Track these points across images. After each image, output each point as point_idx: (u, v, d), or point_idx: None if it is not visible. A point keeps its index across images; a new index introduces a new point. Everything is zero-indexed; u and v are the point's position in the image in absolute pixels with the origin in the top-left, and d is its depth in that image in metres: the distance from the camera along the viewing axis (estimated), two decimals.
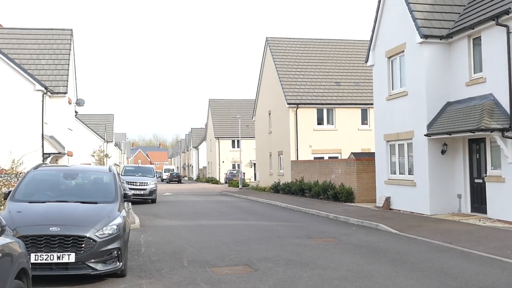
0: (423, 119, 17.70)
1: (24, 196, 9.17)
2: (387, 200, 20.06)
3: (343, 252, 11.18)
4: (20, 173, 14.48)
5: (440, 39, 17.50)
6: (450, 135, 16.19)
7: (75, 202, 9.00)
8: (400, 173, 19.70)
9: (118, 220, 8.60)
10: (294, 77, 35.17)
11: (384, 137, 20.60)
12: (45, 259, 7.71)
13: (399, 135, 19.41)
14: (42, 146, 24.07)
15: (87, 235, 7.98)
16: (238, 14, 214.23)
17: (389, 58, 20.27)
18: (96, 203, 9.07)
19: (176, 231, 15.25)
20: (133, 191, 22.99)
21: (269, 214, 20.58)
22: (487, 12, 15.84)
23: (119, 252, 8.32)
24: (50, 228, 7.87)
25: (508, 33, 14.69)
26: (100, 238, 8.07)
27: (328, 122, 33.90)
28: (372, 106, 25.11)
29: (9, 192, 9.47)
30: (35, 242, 7.75)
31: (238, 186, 45.64)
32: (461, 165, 17.21)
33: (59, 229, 7.88)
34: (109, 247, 8.14)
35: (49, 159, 24.39)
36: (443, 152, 17.44)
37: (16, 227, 7.80)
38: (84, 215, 8.43)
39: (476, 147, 16.80)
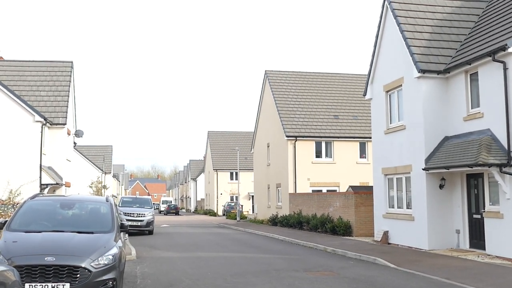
0: (421, 153, 17.78)
1: (20, 225, 9.14)
2: (385, 234, 19.97)
3: (341, 285, 11.10)
4: (17, 204, 14.46)
5: (438, 74, 17.72)
6: (448, 169, 16.24)
7: (71, 232, 8.97)
8: (398, 207, 19.67)
9: (114, 250, 8.56)
10: (293, 110, 35.45)
11: (382, 171, 20.65)
12: None
13: (397, 169, 19.46)
14: (40, 177, 24.07)
15: (82, 265, 7.93)
16: (237, 48, 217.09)
17: (387, 92, 20.48)
18: (92, 233, 9.04)
19: (173, 262, 15.14)
20: (130, 222, 22.86)
21: (266, 246, 20.46)
22: (483, 48, 16.10)
23: (115, 283, 8.26)
24: (46, 258, 7.83)
25: (504, 69, 14.89)
26: (95, 268, 8.03)
27: (326, 155, 34.01)
28: (370, 139, 25.25)
29: (5, 221, 9.46)
30: (30, 272, 7.70)
31: (236, 219, 45.42)
32: (459, 200, 17.20)
33: (54, 259, 7.84)
34: (104, 277, 8.09)
35: (46, 189, 24.36)
36: (441, 186, 17.45)
37: (11, 257, 7.75)
38: (80, 245, 8.40)
39: (474, 182, 16.82)
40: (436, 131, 17.69)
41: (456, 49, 18.41)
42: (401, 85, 19.27)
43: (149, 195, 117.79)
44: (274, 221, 33.80)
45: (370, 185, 25.81)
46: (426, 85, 17.82)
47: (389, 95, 20.47)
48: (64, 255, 8.01)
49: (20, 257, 7.84)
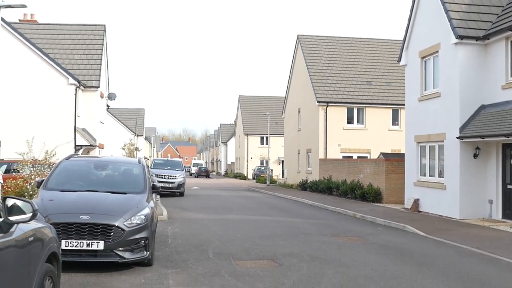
0: (455, 121, 17.44)
1: (56, 185, 9.42)
2: (416, 202, 19.84)
3: (369, 251, 11.14)
4: (53, 164, 14.83)
5: (476, 40, 17.19)
6: (484, 138, 15.91)
7: (105, 192, 9.20)
8: (430, 175, 19.46)
9: (146, 211, 8.76)
10: (325, 75, 35.03)
11: (415, 138, 20.37)
12: (75, 246, 7.92)
13: (431, 136, 19.16)
14: (75, 138, 24.60)
15: (116, 224, 8.15)
16: (270, 11, 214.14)
17: (422, 58, 20.02)
18: (125, 193, 9.25)
19: (203, 224, 15.41)
20: (161, 184, 23.30)
21: (295, 211, 20.60)
22: None
23: (147, 242, 8.48)
24: (81, 216, 8.07)
25: None
26: (128, 227, 8.24)
27: (358, 122, 33.67)
28: (403, 106, 24.82)
29: (42, 181, 9.75)
30: (66, 229, 7.96)
31: (265, 183, 45.72)
32: (494, 170, 16.88)
33: (89, 218, 8.07)
34: (137, 236, 8.31)
35: (80, 151, 24.90)
36: (475, 156, 17.15)
37: (48, 214, 8.01)
38: (113, 205, 8.62)
39: (510, 152, 16.45)
40: (472, 99, 17.28)
41: (497, 14, 17.77)
42: (437, 51, 18.78)
43: (180, 157, 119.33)
44: (304, 186, 33.92)
45: (401, 152, 25.58)
46: (463, 52, 17.33)
47: (425, 62, 20.00)
48: (98, 214, 8.24)
49: (56, 215, 8.10)
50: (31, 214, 4.25)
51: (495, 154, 16.86)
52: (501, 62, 16.56)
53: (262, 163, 65.79)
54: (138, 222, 8.43)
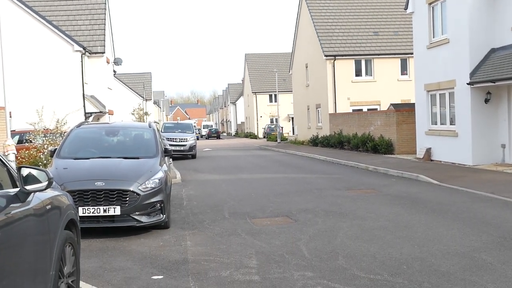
0: (465, 67, 17.17)
1: (69, 153, 9.49)
2: (428, 151, 19.79)
3: (383, 202, 11.19)
4: (64, 132, 14.91)
5: None
6: (494, 83, 15.69)
7: (118, 157, 9.27)
8: (441, 124, 19.32)
9: (160, 174, 8.81)
10: (331, 28, 34.45)
11: (424, 87, 20.15)
12: (92, 212, 8.03)
13: (440, 84, 18.93)
14: (84, 106, 24.64)
15: (131, 189, 8.23)
16: None
17: (429, 4, 19.56)
18: (138, 158, 9.31)
19: (217, 184, 15.53)
20: (173, 147, 23.38)
21: (308, 167, 20.67)
22: None
23: (162, 205, 8.57)
24: (96, 183, 8.15)
25: None
26: (143, 191, 8.32)
27: (366, 74, 33.29)
28: (412, 55, 24.43)
29: (55, 149, 9.81)
30: (82, 197, 8.06)
31: (276, 140, 45.80)
32: (506, 114, 16.71)
33: (104, 184, 8.15)
34: (152, 200, 8.39)
35: (91, 118, 24.99)
36: (486, 101, 16.95)
37: (63, 183, 8.10)
38: (127, 170, 8.69)
39: None
40: (482, 44, 16.95)
41: None
42: None
43: (190, 119, 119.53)
44: (315, 142, 33.92)
45: (412, 102, 25.37)
46: None
47: (432, 7, 19.56)
48: (113, 179, 8.31)
49: (71, 183, 8.19)
50: (46, 182, 4.28)
51: (507, 98, 16.65)
52: (510, 3, 16.12)
53: (272, 121, 65.76)
54: (153, 186, 8.50)
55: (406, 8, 21.60)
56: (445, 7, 18.56)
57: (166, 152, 10.15)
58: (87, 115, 24.58)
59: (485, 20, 16.92)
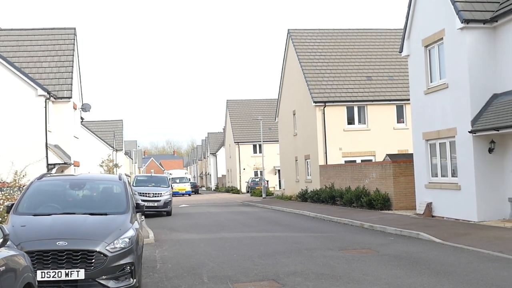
0: (466, 114, 17.51)
1: (28, 208, 9.32)
2: (428, 206, 19.86)
3: (381, 264, 11.11)
4: (23, 186, 14.72)
5: (484, 24, 17.30)
6: (498, 131, 15.96)
7: (84, 214, 9.12)
8: (443, 176, 19.50)
9: (131, 233, 8.68)
10: (320, 73, 35.12)
11: (423, 136, 20.43)
12: (53, 276, 7.81)
13: (440, 132, 19.22)
14: (47, 156, 24.44)
15: (97, 249, 8.07)
16: (256, 7, 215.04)
17: (426, 47, 20.12)
18: (106, 214, 9.18)
19: (195, 245, 15.33)
20: (146, 203, 23.17)
21: (296, 224, 20.56)
22: None
23: (132, 268, 8.39)
24: (57, 243, 7.98)
25: None
26: (111, 252, 8.15)
27: (359, 121, 33.74)
28: (408, 102, 24.91)
29: (12, 205, 9.64)
30: (41, 258, 7.86)
31: (261, 195, 45.70)
32: None
33: (66, 244, 7.98)
34: (121, 262, 8.22)
35: (54, 170, 24.74)
36: (490, 150, 17.20)
37: (20, 242, 7.91)
38: (94, 228, 8.54)
39: None
40: (483, 89, 17.36)
41: None
42: (442, 38, 18.89)
43: (179, 170, 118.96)
44: (304, 197, 33.91)
45: (409, 152, 25.62)
46: (470, 37, 17.43)
47: (429, 51, 20.10)
48: (77, 239, 8.15)
49: (30, 242, 8.00)
50: (1, 240, 4.17)
51: None
52: None
53: (256, 174, 65.81)
54: (122, 246, 8.35)
55: (401, 51, 22.17)
56: (442, 50, 19.09)
57: (138, 208, 10.04)
58: (50, 166, 24.36)
59: (485, 63, 17.39)
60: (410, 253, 12.45)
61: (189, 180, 70.03)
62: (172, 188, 53.47)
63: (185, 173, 74.35)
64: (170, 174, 67.71)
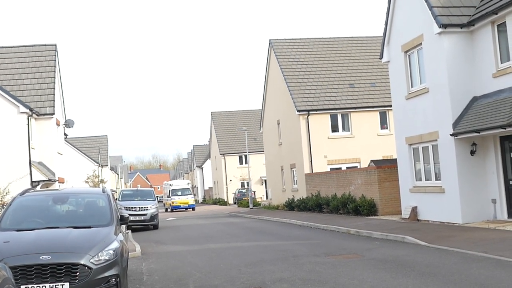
0: (447, 117, 17.71)
1: (11, 224, 9.28)
2: (414, 210, 20.00)
3: (367, 268, 11.17)
4: (7, 203, 14.63)
5: (461, 28, 17.56)
6: (479, 133, 16.17)
7: (67, 227, 9.10)
8: (427, 179, 19.66)
9: (115, 245, 8.67)
10: (303, 81, 35.31)
11: (406, 141, 20.61)
12: None
13: (422, 137, 19.41)
14: (30, 173, 24.27)
15: (82, 262, 8.05)
16: (236, 17, 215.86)
17: (405, 52, 20.35)
18: (90, 227, 9.16)
19: (181, 256, 15.30)
20: (132, 218, 23.14)
21: (283, 233, 20.59)
22: None
23: (118, 280, 8.37)
24: (41, 257, 7.95)
25: None
26: (96, 264, 8.14)
27: (343, 129, 33.94)
28: (391, 108, 25.13)
29: None
30: (25, 273, 7.82)
31: (248, 206, 45.69)
32: (494, 166, 17.14)
33: (50, 257, 7.95)
34: (106, 274, 8.21)
35: (38, 187, 24.57)
36: (472, 152, 17.40)
37: (3, 258, 7.86)
38: (77, 241, 8.52)
39: (509, 145, 16.75)
40: (463, 92, 17.59)
41: None
42: (421, 43, 19.13)
43: (151, 187, 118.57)
44: (291, 206, 33.95)
45: (394, 158, 25.81)
46: (448, 41, 17.68)
47: (408, 56, 20.34)
48: (60, 252, 8.13)
49: (13, 258, 7.96)
50: None
51: (493, 148, 17.14)
52: (489, 48, 16.92)
53: (243, 185, 65.78)
54: (107, 258, 8.34)
55: (381, 57, 22.39)
56: (422, 55, 19.32)
57: (122, 220, 10.02)
58: (34, 184, 24.18)
59: (464, 67, 17.64)
60: (396, 256, 12.53)
61: (192, 192, 60.59)
62: (172, 202, 52.84)
63: (187, 184, 62.00)
64: (170, 185, 58.19)
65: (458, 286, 8.84)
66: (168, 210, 55.17)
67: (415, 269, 10.63)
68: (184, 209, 53.07)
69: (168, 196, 56.03)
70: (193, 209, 53.69)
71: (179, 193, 55.04)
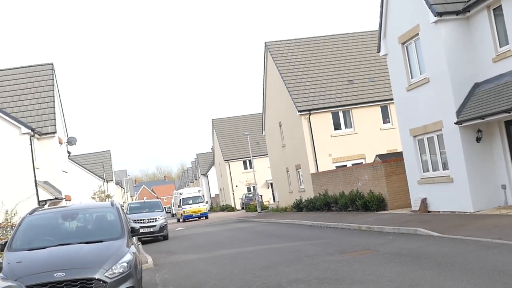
0: (450, 106, 17.63)
1: (22, 244, 9.23)
2: (423, 201, 19.90)
3: (382, 262, 11.09)
4: (15, 224, 14.59)
5: (457, 15, 17.50)
6: (484, 119, 16.09)
7: (79, 243, 9.05)
8: (434, 170, 19.58)
9: (128, 257, 8.61)
10: (302, 81, 35.26)
11: (410, 132, 20.53)
12: None
13: (427, 127, 19.33)
14: (37, 193, 24.24)
15: (96, 276, 7.99)
16: (232, 23, 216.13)
17: (403, 44, 20.30)
18: (101, 241, 9.11)
19: (194, 264, 15.24)
20: (141, 230, 23.01)
21: (294, 234, 20.51)
22: None
23: None
24: (55, 274, 7.90)
25: None
26: (110, 278, 8.08)
27: (346, 126, 33.85)
28: (392, 101, 25.11)
29: (5, 242, 9.54)
30: None
31: (256, 210, 45.57)
32: (501, 151, 17.04)
33: (64, 274, 7.91)
34: (122, 287, 8.15)
35: (46, 205, 24.53)
36: (478, 139, 17.31)
37: (17, 278, 7.81)
38: (90, 256, 8.47)
39: None
40: (464, 79, 17.52)
41: None
42: (417, 33, 19.08)
43: (158, 198, 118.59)
44: (299, 207, 33.86)
45: (399, 151, 25.73)
46: (445, 30, 17.62)
47: (406, 47, 20.29)
48: (74, 268, 8.08)
49: (27, 277, 7.91)
50: None
51: (499, 134, 17.03)
52: (487, 33, 16.84)
53: (249, 189, 65.68)
54: (121, 271, 8.28)
55: (378, 51, 22.34)
56: (419, 45, 19.26)
57: (133, 232, 9.97)
58: (41, 203, 24.15)
59: (463, 54, 17.57)
60: (410, 249, 12.45)
61: (205, 199, 57.57)
62: (184, 211, 51.37)
63: (199, 191, 57.26)
64: (180, 194, 54.87)
65: (476, 274, 8.76)
66: (180, 220, 52.56)
67: (431, 260, 10.54)
68: (197, 218, 51.07)
69: (179, 206, 53.28)
70: (206, 217, 51.26)
71: (190, 201, 52.13)
